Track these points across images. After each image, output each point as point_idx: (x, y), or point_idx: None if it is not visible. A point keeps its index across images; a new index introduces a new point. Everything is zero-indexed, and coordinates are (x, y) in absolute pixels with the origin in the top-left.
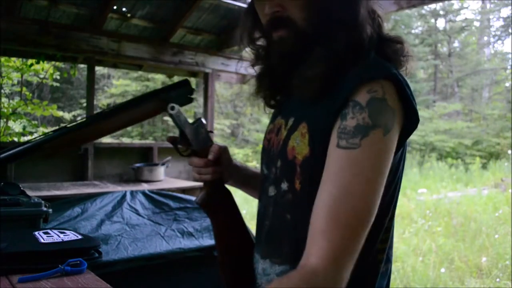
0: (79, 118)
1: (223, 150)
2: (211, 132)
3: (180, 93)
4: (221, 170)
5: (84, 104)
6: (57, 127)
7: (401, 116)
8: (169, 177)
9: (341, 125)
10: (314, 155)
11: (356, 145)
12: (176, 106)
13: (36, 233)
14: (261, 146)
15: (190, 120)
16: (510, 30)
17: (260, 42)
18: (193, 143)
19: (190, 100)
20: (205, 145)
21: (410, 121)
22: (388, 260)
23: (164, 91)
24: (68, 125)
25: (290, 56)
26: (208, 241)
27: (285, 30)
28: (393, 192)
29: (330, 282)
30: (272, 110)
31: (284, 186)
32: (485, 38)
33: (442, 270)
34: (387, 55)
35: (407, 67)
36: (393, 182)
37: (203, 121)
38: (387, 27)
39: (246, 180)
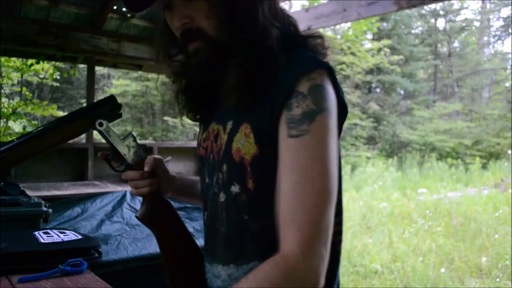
0: None
1: (158, 162)
2: (144, 145)
3: (107, 109)
4: (158, 182)
5: (84, 104)
6: None
7: (336, 102)
8: None
9: (288, 116)
10: (263, 152)
11: (305, 131)
12: (104, 122)
13: (36, 233)
14: None
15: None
16: (510, 30)
17: (177, 58)
18: (126, 157)
19: (119, 116)
20: (139, 158)
21: (342, 109)
22: (340, 243)
23: (91, 108)
24: None
25: (208, 65)
26: None
27: (198, 41)
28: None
29: (303, 266)
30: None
31: (235, 188)
32: (485, 38)
33: (442, 270)
34: (310, 49)
35: (329, 58)
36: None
37: (134, 134)
38: (387, 27)
39: (185, 189)
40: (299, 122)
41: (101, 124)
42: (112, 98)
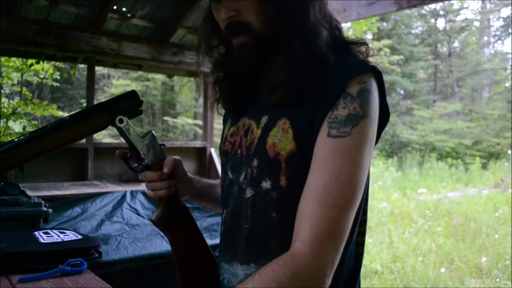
0: None
1: (177, 163)
2: (163, 145)
3: (128, 105)
4: (176, 184)
5: (84, 104)
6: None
7: (379, 108)
8: None
9: (332, 115)
10: (300, 150)
11: (347, 133)
12: (125, 119)
13: (36, 233)
14: None
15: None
16: (510, 30)
17: (218, 50)
18: (145, 157)
19: (139, 113)
20: (158, 158)
21: (384, 114)
22: (362, 255)
23: (111, 103)
24: (4, 143)
25: (251, 61)
26: (207, 241)
27: (245, 35)
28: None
29: (311, 266)
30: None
31: (266, 184)
32: (485, 38)
33: (442, 270)
34: (354, 55)
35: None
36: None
37: (154, 133)
38: (387, 27)
39: (201, 192)
40: (342, 123)
41: (121, 121)
42: (133, 93)
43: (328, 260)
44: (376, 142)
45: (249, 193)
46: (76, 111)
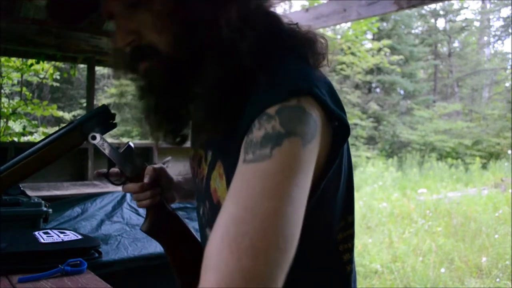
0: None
1: (159, 171)
2: (144, 148)
3: (99, 121)
4: (160, 192)
5: (84, 104)
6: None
7: (327, 126)
8: None
9: (247, 140)
10: None
11: (265, 156)
12: (97, 135)
13: (36, 233)
14: None
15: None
16: (510, 30)
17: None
18: (124, 169)
19: (113, 126)
20: (137, 169)
21: (340, 130)
22: (353, 262)
23: (81, 121)
24: None
25: (164, 89)
26: None
27: (149, 60)
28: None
29: None
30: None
31: None
32: (485, 38)
33: (442, 270)
34: (302, 56)
35: (328, 59)
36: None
37: (132, 145)
38: (387, 27)
39: (191, 192)
40: (258, 146)
41: (94, 138)
42: (103, 108)
43: None
44: (333, 163)
45: (208, 232)
46: (48, 135)
